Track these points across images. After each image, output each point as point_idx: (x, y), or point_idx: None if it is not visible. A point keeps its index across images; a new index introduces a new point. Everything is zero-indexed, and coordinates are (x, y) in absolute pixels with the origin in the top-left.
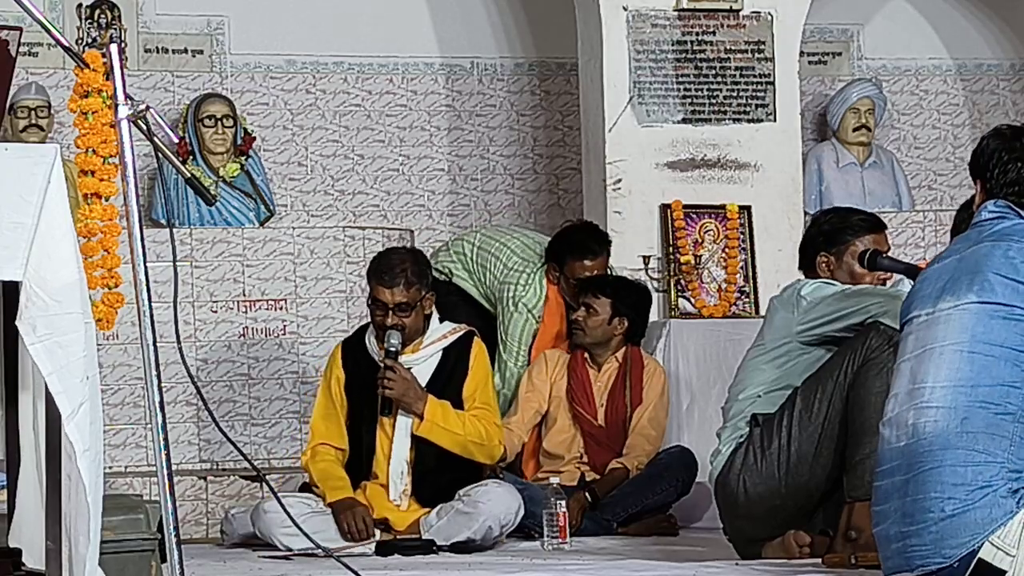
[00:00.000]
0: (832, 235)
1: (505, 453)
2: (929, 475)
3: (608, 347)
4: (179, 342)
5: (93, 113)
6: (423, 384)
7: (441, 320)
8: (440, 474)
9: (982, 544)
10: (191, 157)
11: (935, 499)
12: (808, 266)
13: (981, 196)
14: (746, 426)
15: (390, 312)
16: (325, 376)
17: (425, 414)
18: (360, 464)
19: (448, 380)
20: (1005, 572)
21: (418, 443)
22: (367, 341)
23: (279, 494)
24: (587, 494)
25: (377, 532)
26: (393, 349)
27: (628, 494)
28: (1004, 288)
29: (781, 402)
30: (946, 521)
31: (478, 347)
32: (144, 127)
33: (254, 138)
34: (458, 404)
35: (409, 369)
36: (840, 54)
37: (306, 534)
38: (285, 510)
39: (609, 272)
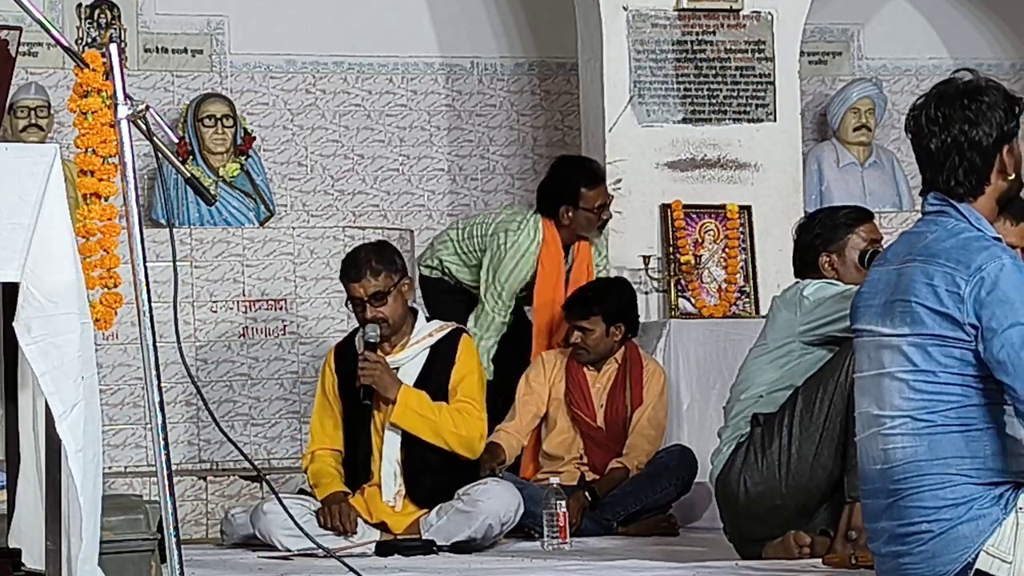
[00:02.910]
0: (828, 235)
1: (505, 455)
2: (910, 500)
3: (611, 353)
4: (179, 342)
5: (93, 113)
6: (411, 382)
7: (432, 319)
8: (435, 476)
9: (976, 555)
10: (191, 157)
11: (921, 522)
12: (808, 271)
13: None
14: (747, 425)
15: (367, 305)
16: (320, 381)
17: (398, 399)
18: (357, 466)
19: (437, 378)
20: None
21: (407, 443)
22: (356, 343)
23: (279, 495)
24: (587, 494)
25: (377, 533)
26: (372, 340)
27: (628, 493)
28: (932, 319)
29: (783, 402)
30: (936, 539)
31: (465, 343)
32: (144, 127)
33: (254, 138)
34: (447, 401)
35: (385, 361)
36: (840, 54)
37: (307, 534)
38: (286, 510)
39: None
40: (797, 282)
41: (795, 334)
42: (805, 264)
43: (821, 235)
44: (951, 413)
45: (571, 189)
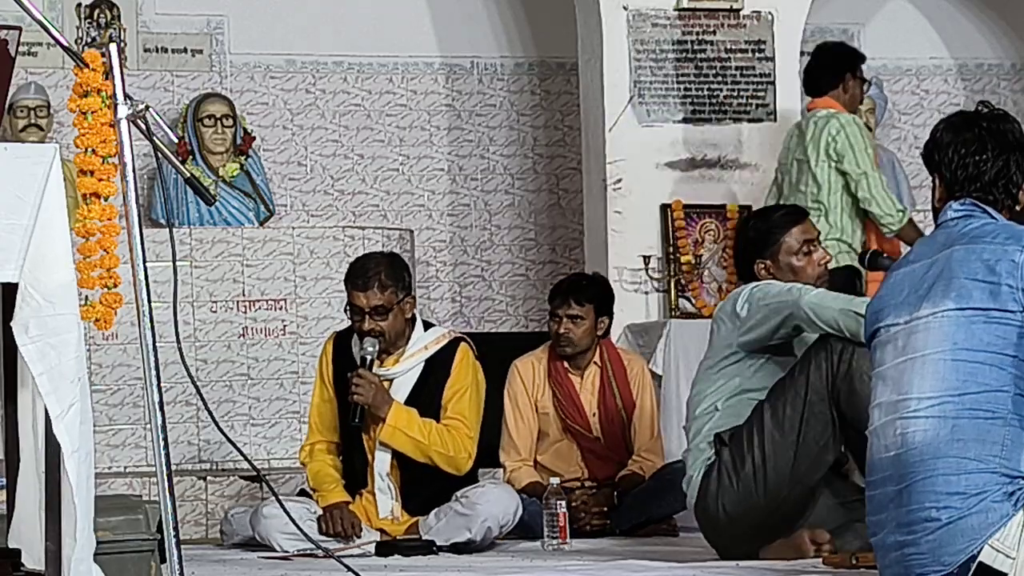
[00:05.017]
0: (760, 240)
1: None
2: (922, 485)
3: (591, 349)
4: (179, 342)
5: (92, 113)
6: (405, 396)
7: (431, 327)
8: (430, 485)
9: (981, 548)
10: (191, 157)
11: (930, 508)
12: (747, 276)
13: (940, 191)
14: (710, 447)
15: (367, 316)
16: (318, 369)
17: (388, 418)
18: (355, 472)
19: (430, 392)
20: (1006, 575)
21: (398, 458)
22: (353, 343)
23: (278, 495)
24: (615, 493)
25: (376, 534)
26: (369, 357)
27: (631, 506)
28: (980, 292)
29: (740, 410)
30: (943, 529)
31: (462, 354)
32: (143, 127)
33: (254, 138)
34: (440, 416)
35: (380, 377)
36: None
37: (306, 535)
38: (285, 511)
39: None
40: (740, 289)
41: (735, 344)
42: (742, 269)
43: (754, 240)
44: (981, 397)
45: (854, 57)
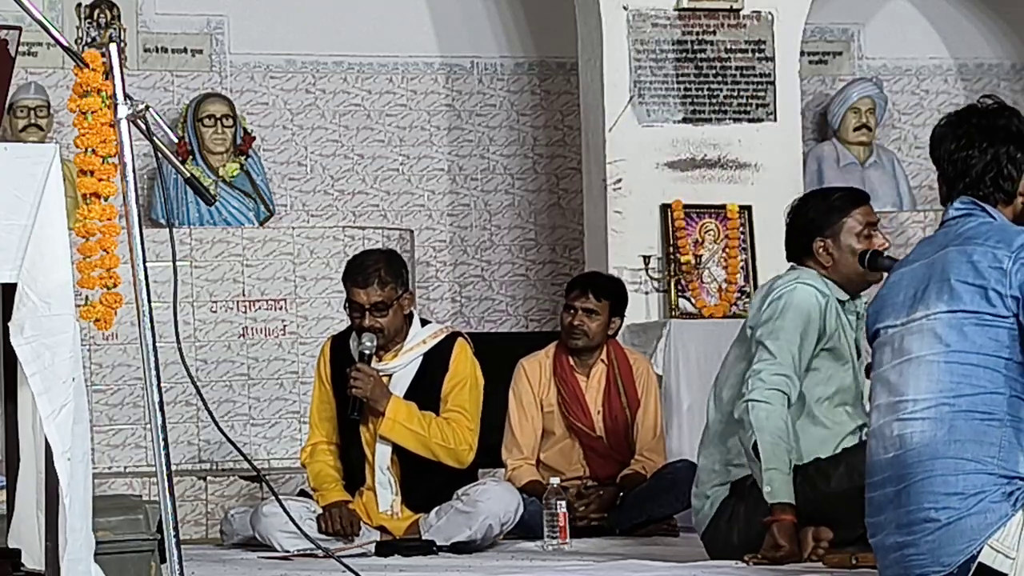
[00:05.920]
0: (822, 219)
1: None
2: (921, 486)
3: (599, 348)
4: (179, 342)
5: (92, 113)
6: (404, 390)
7: (427, 324)
8: (430, 480)
9: (981, 548)
10: (191, 157)
11: (929, 509)
12: (801, 254)
13: (941, 187)
14: (730, 478)
15: (367, 313)
16: (316, 371)
17: (387, 411)
18: (353, 470)
19: (429, 386)
20: (1006, 575)
21: (398, 452)
22: (351, 344)
23: (278, 495)
24: (619, 492)
25: (377, 534)
26: (367, 352)
27: (633, 506)
28: (971, 295)
29: None
30: (942, 530)
31: (460, 348)
32: (143, 127)
33: (254, 138)
34: (439, 410)
35: (379, 372)
36: (840, 54)
37: (306, 535)
38: (285, 510)
39: None
40: (775, 280)
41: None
42: (799, 248)
43: (815, 220)
44: (977, 399)
45: None
